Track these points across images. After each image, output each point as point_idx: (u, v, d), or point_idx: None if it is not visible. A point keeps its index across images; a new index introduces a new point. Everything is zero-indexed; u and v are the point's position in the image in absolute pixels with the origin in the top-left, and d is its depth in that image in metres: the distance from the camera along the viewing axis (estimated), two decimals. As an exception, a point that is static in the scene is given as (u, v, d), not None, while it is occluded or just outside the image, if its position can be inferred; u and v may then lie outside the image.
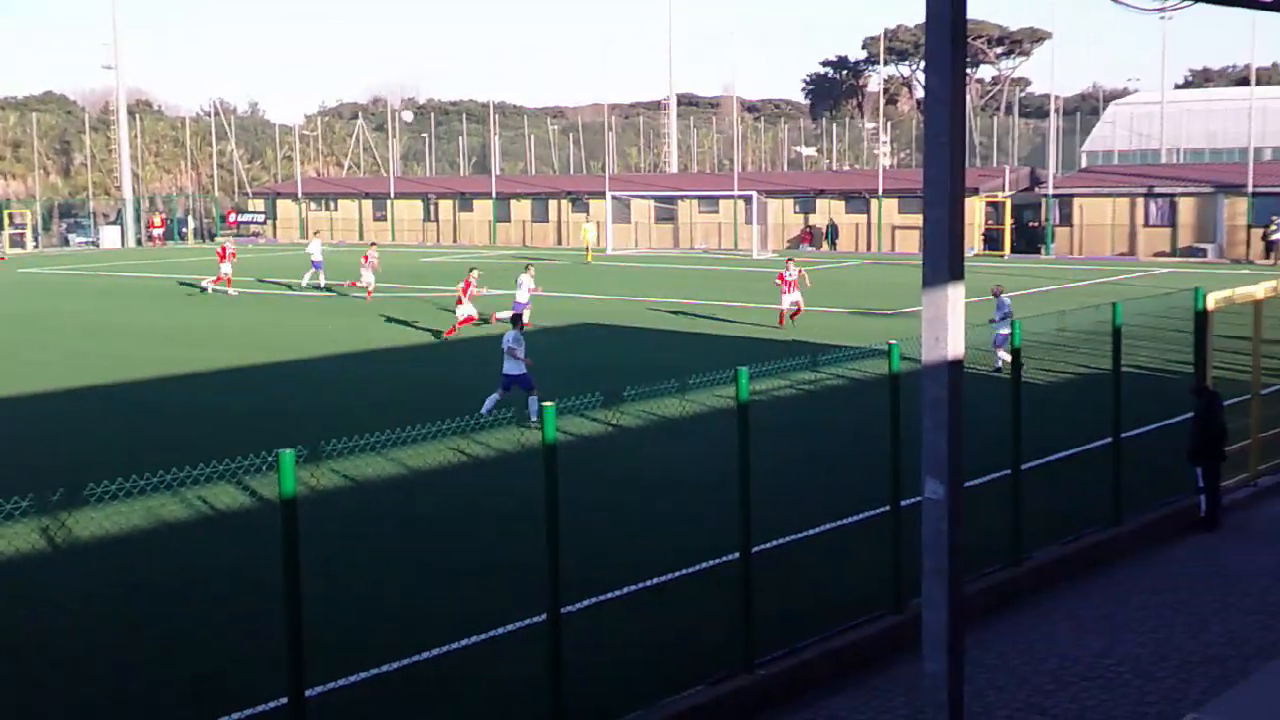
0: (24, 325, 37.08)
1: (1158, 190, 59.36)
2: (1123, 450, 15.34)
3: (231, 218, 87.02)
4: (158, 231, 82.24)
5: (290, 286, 46.77)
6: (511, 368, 21.14)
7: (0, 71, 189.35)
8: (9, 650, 11.73)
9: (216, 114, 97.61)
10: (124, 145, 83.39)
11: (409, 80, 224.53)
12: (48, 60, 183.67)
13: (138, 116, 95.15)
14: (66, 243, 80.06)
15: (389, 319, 36.42)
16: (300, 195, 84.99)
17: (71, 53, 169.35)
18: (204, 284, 45.38)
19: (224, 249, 45.91)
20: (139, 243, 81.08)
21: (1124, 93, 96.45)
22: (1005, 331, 25.00)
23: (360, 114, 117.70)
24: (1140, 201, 59.36)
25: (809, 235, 67.68)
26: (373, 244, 47.84)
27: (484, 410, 20.65)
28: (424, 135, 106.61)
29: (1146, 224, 59.08)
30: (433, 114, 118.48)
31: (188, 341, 32.67)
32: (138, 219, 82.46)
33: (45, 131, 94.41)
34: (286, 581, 8.25)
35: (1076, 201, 60.87)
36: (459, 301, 32.45)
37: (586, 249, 61.95)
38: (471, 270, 33.54)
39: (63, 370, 28.12)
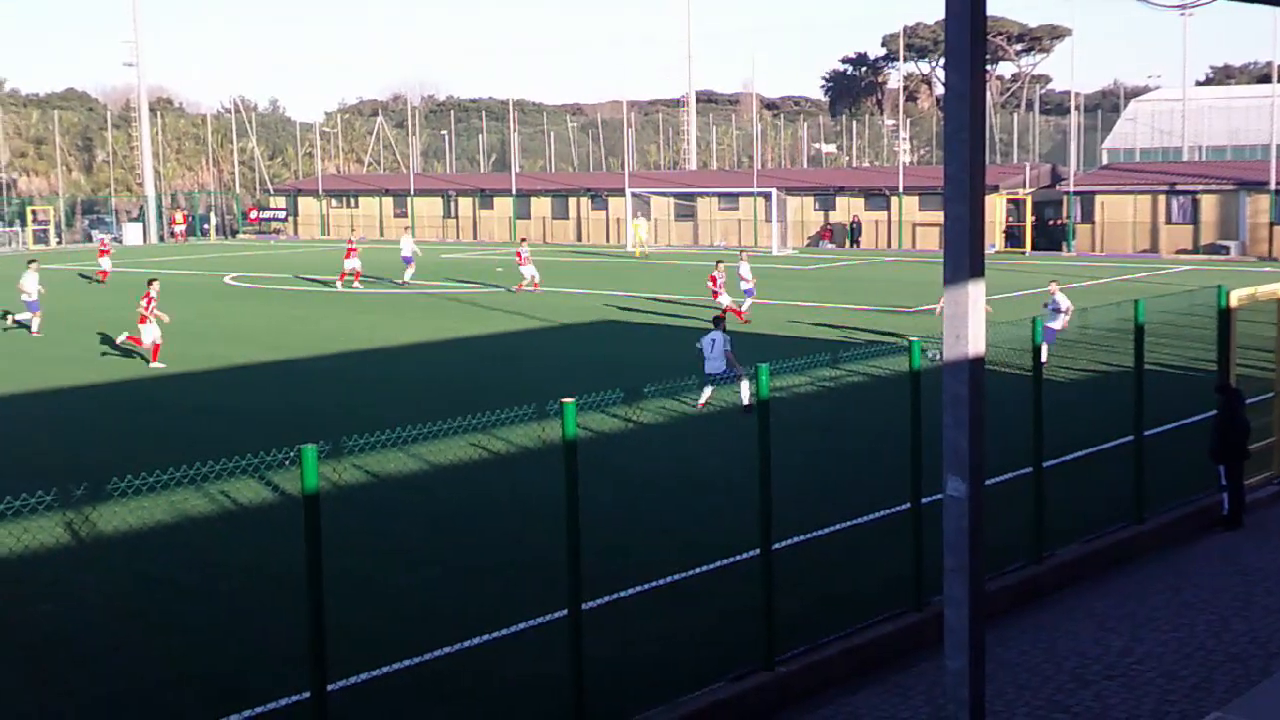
0: (47, 322, 37.22)
1: (1180, 187, 59.09)
2: (1145, 448, 15.29)
3: (253, 215, 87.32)
4: (180, 228, 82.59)
5: (326, 284, 46.84)
6: (714, 367, 21.67)
7: (23, 69, 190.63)
8: (32, 646, 11.80)
9: (237, 111, 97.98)
10: (146, 142, 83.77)
11: (429, 77, 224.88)
12: (69, 58, 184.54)
13: (159, 114, 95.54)
14: (89, 239, 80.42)
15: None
16: (321, 192, 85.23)
17: (93, 50, 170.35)
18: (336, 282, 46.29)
19: (351, 246, 46.95)
20: (161, 239, 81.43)
21: (1145, 90, 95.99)
22: (1055, 326, 25.54)
23: (380, 111, 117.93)
24: (1162, 199, 59.12)
25: (829, 233, 67.59)
26: (524, 240, 47.10)
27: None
28: (444, 132, 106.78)
29: (1168, 221, 58.83)
30: (452, 111, 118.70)
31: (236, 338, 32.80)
32: (160, 216, 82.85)
33: (67, 129, 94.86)
34: (309, 576, 8.29)
35: (1098, 199, 60.64)
36: (714, 295, 33.20)
37: (640, 245, 62.09)
38: (719, 263, 34.53)
39: (86, 368, 28.24)
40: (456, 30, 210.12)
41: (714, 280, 33.74)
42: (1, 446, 20.36)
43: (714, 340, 21.95)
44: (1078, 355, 25.60)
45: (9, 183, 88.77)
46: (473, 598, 12.86)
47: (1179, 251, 57.40)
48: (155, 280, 30.19)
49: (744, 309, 33.82)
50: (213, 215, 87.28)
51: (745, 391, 21.00)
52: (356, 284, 45.34)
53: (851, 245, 66.14)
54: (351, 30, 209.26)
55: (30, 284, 34.21)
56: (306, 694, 8.63)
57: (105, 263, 49.55)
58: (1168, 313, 28.77)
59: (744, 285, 34.90)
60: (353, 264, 45.30)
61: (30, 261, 35.87)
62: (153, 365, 28.15)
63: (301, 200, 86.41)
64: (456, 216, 79.92)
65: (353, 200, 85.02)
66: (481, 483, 17.33)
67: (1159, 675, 10.75)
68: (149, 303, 28.78)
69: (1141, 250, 58.70)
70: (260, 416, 22.24)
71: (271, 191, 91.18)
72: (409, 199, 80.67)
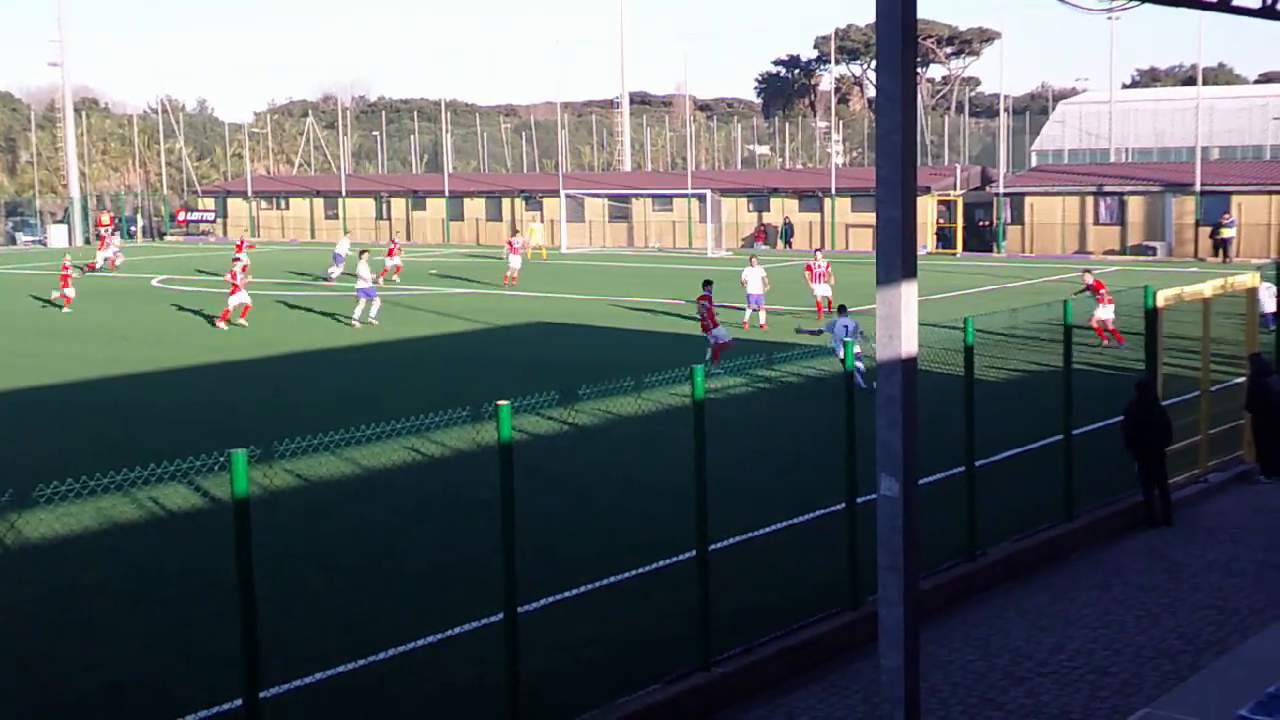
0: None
1: (1107, 189, 59.87)
2: (1074, 447, 15.48)
3: (181, 216, 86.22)
4: (106, 230, 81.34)
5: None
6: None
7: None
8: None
9: (164, 111, 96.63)
10: (70, 143, 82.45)
11: (360, 78, 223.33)
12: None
13: (84, 114, 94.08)
14: (14, 241, 79.09)
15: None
16: (251, 193, 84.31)
17: (16, 50, 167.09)
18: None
19: (393, 246, 47.91)
20: (87, 241, 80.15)
21: (1073, 92, 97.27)
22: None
23: (310, 111, 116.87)
24: (1090, 200, 59.86)
25: (763, 234, 67.82)
26: (516, 232, 51.40)
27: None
28: (375, 133, 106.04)
29: (1097, 222, 59.57)
30: (384, 112, 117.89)
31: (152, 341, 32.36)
32: (85, 217, 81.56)
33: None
34: (240, 583, 8.18)
35: (1028, 200, 61.31)
36: (811, 281, 34.60)
37: (536, 248, 61.56)
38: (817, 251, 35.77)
39: (7, 372, 27.77)
40: (388, 30, 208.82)
41: (810, 270, 34.51)
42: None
43: (846, 325, 23.59)
44: (1008, 355, 25.85)
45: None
46: (409, 602, 12.76)
47: (1107, 252, 58.15)
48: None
49: (746, 318, 32.23)
50: (139, 217, 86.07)
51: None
52: (395, 278, 46.63)
53: (785, 246, 66.41)
54: (281, 30, 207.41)
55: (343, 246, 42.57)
56: (239, 701, 8.52)
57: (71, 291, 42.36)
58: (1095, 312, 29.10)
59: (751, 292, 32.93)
60: (394, 261, 47.18)
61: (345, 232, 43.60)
62: (220, 325, 33.74)
63: (231, 202, 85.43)
64: (389, 218, 79.35)
65: (283, 202, 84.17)
66: (416, 486, 17.21)
67: (1090, 671, 10.88)
68: (242, 270, 34.71)
69: (1072, 251, 59.42)
70: (190, 420, 21.95)
71: (200, 193, 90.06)
72: (340, 200, 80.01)
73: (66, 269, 40.41)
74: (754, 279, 32.68)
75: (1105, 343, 27.23)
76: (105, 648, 11.72)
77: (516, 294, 42.87)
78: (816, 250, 41.76)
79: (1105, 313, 28.10)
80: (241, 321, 34.13)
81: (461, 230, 76.16)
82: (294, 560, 13.46)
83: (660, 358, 25.34)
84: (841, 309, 25.20)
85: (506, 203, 75.78)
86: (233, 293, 34.45)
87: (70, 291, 39.77)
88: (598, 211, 72.31)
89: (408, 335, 32.66)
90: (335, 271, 47.68)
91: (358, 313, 34.46)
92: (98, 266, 53.64)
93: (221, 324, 34.00)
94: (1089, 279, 29.59)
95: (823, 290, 34.48)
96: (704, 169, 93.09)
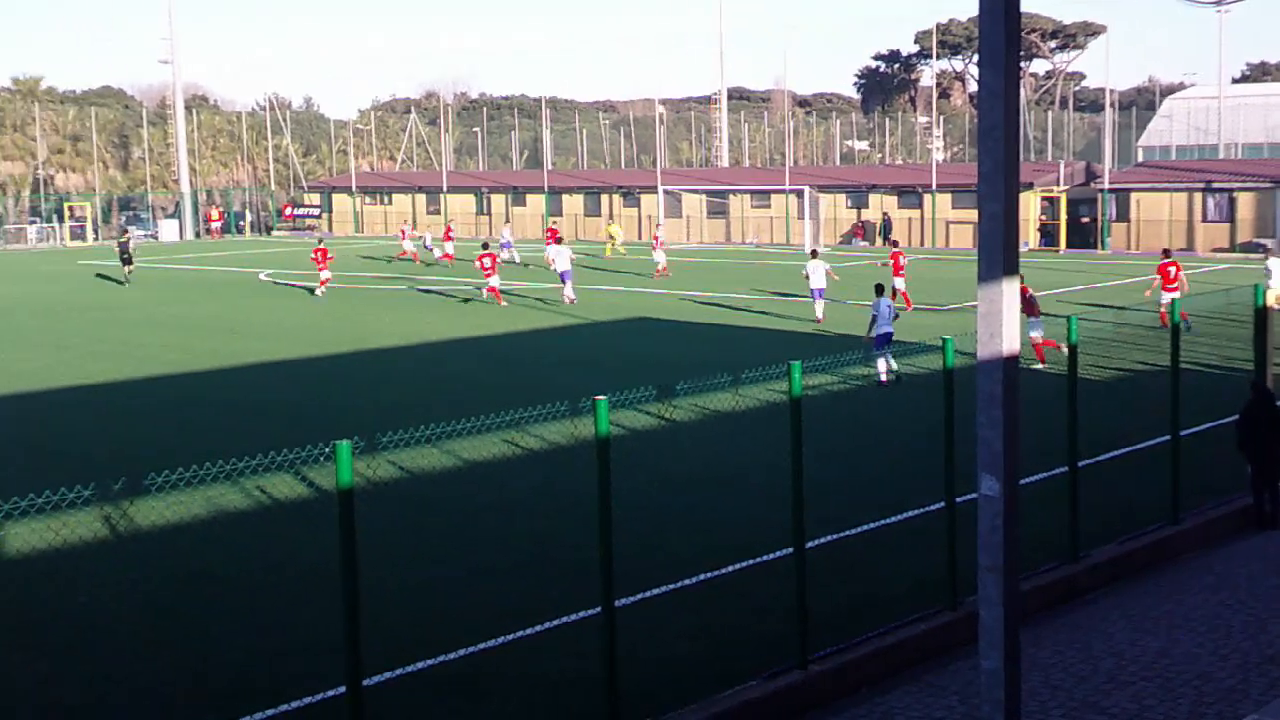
0: (83, 317, 37.58)
1: (1216, 185, 58.60)
2: (1182, 448, 15.19)
3: (288, 211, 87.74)
4: (216, 224, 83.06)
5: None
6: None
7: (60, 67, 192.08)
8: (69, 637, 11.91)
9: (272, 108, 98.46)
10: (181, 139, 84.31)
11: (462, 75, 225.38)
12: (106, 55, 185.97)
13: (194, 111, 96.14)
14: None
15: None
16: (355, 189, 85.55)
17: (129, 48, 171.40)
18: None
19: (491, 259, 46.81)
20: (197, 235, 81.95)
21: (1180, 87, 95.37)
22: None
23: (414, 108, 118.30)
24: (1198, 197, 58.63)
25: (861, 230, 67.36)
26: (659, 225, 55.39)
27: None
28: (476, 130, 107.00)
29: (1204, 219, 58.33)
30: (485, 108, 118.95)
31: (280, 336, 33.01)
32: (195, 212, 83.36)
33: (104, 126, 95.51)
34: (344, 571, 8.32)
35: (1133, 196, 60.19)
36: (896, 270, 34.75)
37: (612, 242, 61.23)
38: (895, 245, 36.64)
39: (123, 361, 28.48)
40: (490, 28, 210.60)
41: (896, 259, 35.17)
42: (42, 439, 20.56)
43: (888, 305, 24.99)
44: (1113, 354, 25.44)
45: (46, 179, 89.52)
46: (507, 594, 12.89)
47: (1215, 250, 56.94)
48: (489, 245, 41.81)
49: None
50: (247, 212, 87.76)
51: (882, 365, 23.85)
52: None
53: (884, 242, 65.91)
54: (385, 28, 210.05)
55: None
56: (342, 689, 8.68)
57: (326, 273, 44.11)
58: (1203, 312, 28.56)
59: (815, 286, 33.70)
60: (508, 255, 51.13)
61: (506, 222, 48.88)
62: (487, 296, 38.18)
63: (335, 197, 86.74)
64: (489, 213, 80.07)
65: (386, 197, 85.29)
66: (514, 479, 17.37)
67: (1195, 676, 10.68)
68: (493, 260, 38.42)
69: (1178, 249, 58.22)
70: (296, 412, 22.35)
71: (306, 188, 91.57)
72: (442, 196, 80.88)
73: (321, 253, 43.09)
74: (817, 272, 33.75)
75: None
76: (212, 633, 11.99)
77: (614, 290, 42.99)
78: (894, 242, 42.32)
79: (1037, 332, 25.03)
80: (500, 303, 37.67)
81: (560, 225, 76.58)
82: (395, 550, 13.67)
83: (759, 355, 25.31)
84: (879, 289, 25.79)
85: (605, 198, 76.08)
86: (487, 275, 38.06)
87: (326, 274, 42.63)
88: (695, 207, 72.29)
89: (510, 330, 32.95)
90: (514, 256, 52.71)
91: (568, 291, 38.54)
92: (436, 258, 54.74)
93: (501, 302, 38.00)
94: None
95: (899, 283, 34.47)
96: (802, 165, 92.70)
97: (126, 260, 48.38)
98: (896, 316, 25.41)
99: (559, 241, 42.36)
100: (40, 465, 18.10)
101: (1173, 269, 29.41)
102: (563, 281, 38.93)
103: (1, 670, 11.24)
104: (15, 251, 72.54)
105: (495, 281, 38.27)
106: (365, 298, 42.14)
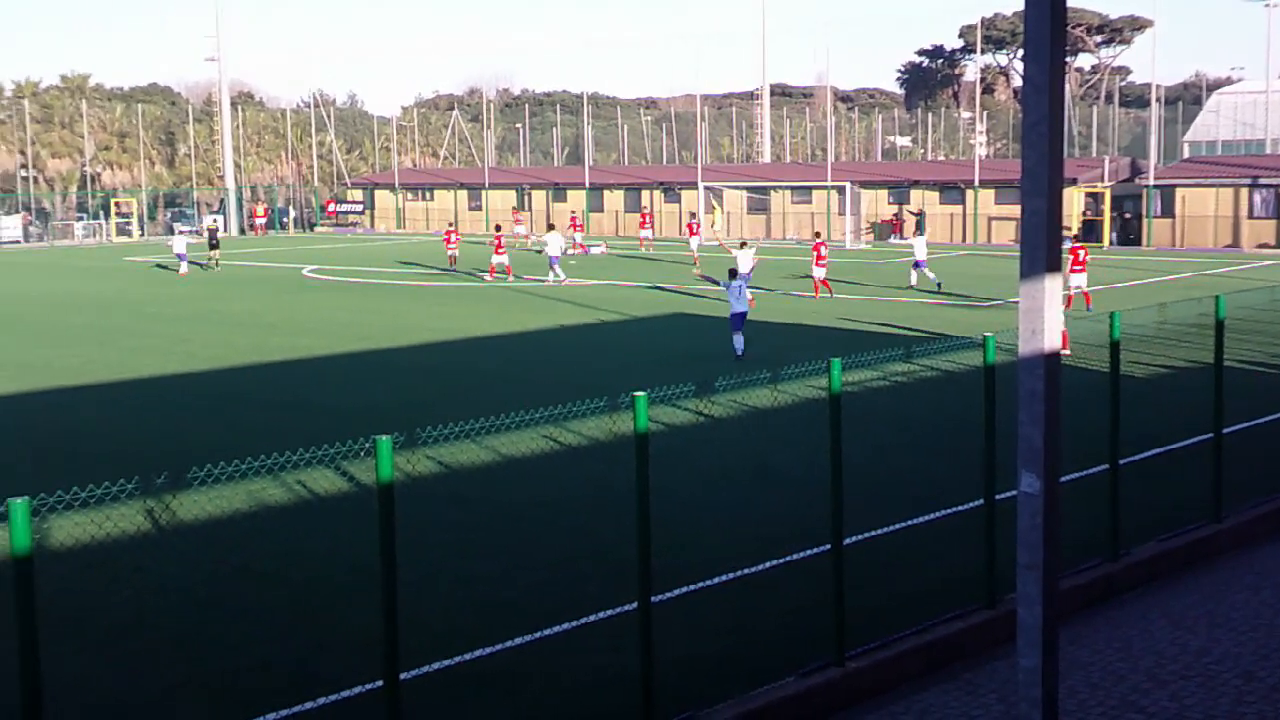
0: (128, 311, 37.95)
1: (1263, 181, 57.98)
2: (1224, 445, 15.05)
3: (331, 208, 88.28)
4: (260, 220, 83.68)
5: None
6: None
7: (107, 64, 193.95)
8: (112, 630, 12.03)
9: (316, 105, 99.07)
10: (227, 136, 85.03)
11: (503, 71, 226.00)
12: (152, 53, 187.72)
13: (239, 108, 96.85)
14: (172, 231, 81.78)
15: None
16: (397, 185, 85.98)
17: (175, 45, 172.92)
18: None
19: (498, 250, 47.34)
20: (242, 231, 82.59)
21: (1227, 82, 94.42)
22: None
23: (456, 105, 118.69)
24: (1244, 192, 58.04)
25: (898, 224, 67.07)
26: (694, 215, 59.03)
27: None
28: (518, 126, 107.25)
29: (1250, 215, 57.76)
30: (527, 105, 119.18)
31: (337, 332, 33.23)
32: (240, 208, 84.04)
33: (150, 122, 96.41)
34: (383, 566, 8.37)
35: (1178, 192, 59.65)
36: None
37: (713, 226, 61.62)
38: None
39: (166, 357, 28.73)
40: (531, 24, 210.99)
41: (817, 249, 38.58)
42: (86, 433, 20.77)
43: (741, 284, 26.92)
44: (1155, 351, 25.24)
45: (93, 176, 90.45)
46: (543, 590, 12.92)
47: (1261, 246, 56.36)
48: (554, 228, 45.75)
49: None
50: (291, 208, 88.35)
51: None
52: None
53: (918, 234, 65.60)
54: (428, 25, 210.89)
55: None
56: (379, 682, 8.73)
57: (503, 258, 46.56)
58: (1249, 308, 28.29)
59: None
60: (571, 240, 53.75)
61: (550, 226, 47.85)
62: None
63: (378, 193, 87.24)
64: (530, 209, 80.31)
65: (428, 194, 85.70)
66: (552, 474, 17.41)
67: (1236, 676, 10.59)
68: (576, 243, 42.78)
69: (1223, 245, 57.69)
70: (336, 408, 22.49)
71: (349, 185, 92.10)
72: (483, 192, 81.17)
73: (505, 239, 46.76)
74: (745, 260, 36.33)
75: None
76: (252, 627, 12.08)
77: (644, 285, 42.97)
78: (817, 234, 44.31)
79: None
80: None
81: (601, 221, 76.70)
82: (434, 545, 13.73)
83: (798, 351, 25.25)
84: (732, 273, 28.00)
85: (646, 194, 76.10)
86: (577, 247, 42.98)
87: (502, 259, 45.51)
88: (736, 203, 72.21)
89: (549, 325, 33.03)
90: (578, 250, 54.59)
91: (559, 273, 42.58)
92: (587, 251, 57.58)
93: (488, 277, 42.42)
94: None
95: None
96: (844, 160, 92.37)
97: (214, 245, 53.14)
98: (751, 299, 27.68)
99: (575, 228, 48.69)
100: (86, 460, 18.28)
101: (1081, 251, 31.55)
102: (551, 266, 43.52)
103: (44, 662, 11.36)
104: (63, 247, 73.33)
105: (496, 260, 44.34)
106: (437, 294, 42.32)
